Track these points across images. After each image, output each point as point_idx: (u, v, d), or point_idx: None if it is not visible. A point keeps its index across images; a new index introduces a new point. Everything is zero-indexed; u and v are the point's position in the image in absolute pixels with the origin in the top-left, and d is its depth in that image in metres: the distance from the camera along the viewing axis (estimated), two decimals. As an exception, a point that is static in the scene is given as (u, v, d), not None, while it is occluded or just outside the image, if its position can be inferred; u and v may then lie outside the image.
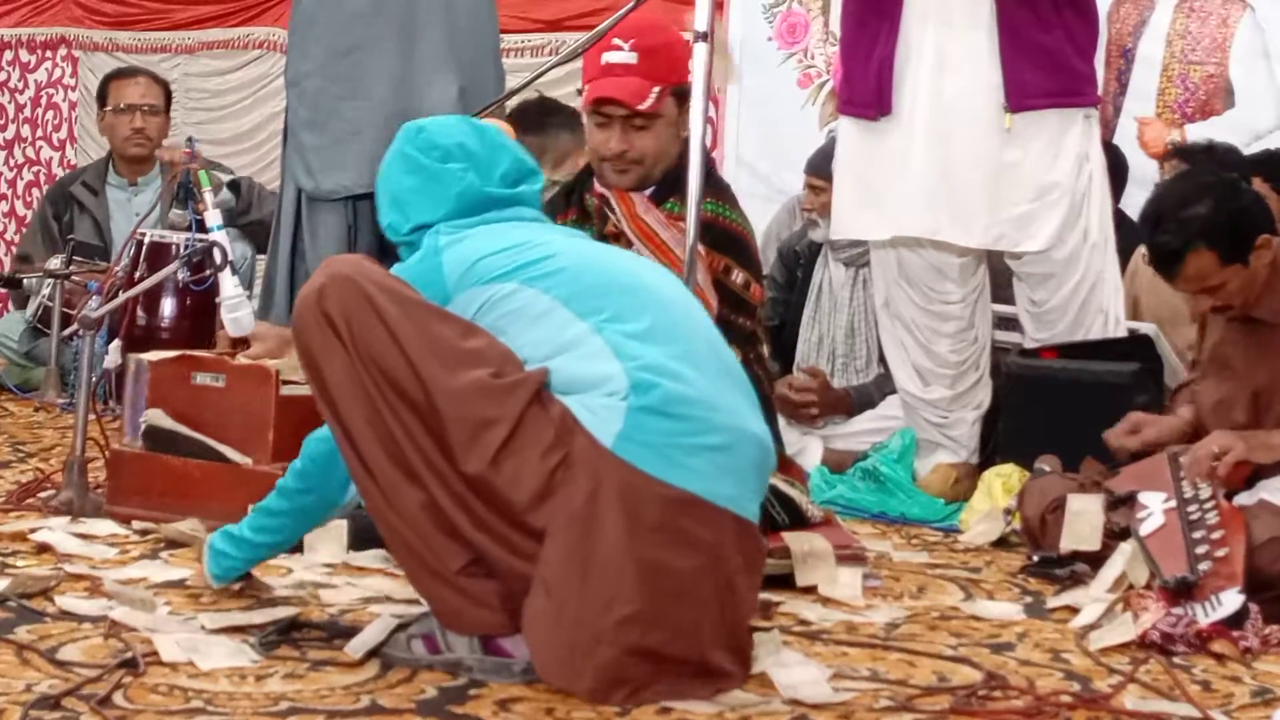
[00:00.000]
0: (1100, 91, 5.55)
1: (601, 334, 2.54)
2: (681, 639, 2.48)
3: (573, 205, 3.78)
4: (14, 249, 7.65)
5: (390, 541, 2.60)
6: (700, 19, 3.63)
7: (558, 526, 2.45)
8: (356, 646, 2.63)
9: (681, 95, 3.74)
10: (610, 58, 3.71)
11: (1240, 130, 5.57)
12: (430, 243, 2.71)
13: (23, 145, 8.60)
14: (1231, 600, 2.99)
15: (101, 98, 6.26)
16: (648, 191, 3.69)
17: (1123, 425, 3.78)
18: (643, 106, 3.64)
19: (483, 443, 2.45)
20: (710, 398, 2.53)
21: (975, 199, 4.18)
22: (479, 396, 2.47)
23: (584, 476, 2.45)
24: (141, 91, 6.11)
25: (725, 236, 3.61)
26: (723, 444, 2.51)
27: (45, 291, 5.69)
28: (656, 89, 3.70)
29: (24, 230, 7.31)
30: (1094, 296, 4.32)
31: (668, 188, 3.72)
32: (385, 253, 4.94)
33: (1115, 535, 3.45)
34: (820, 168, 5.05)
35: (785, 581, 3.25)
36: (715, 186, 3.75)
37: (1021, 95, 4.14)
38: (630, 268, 2.71)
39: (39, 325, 5.77)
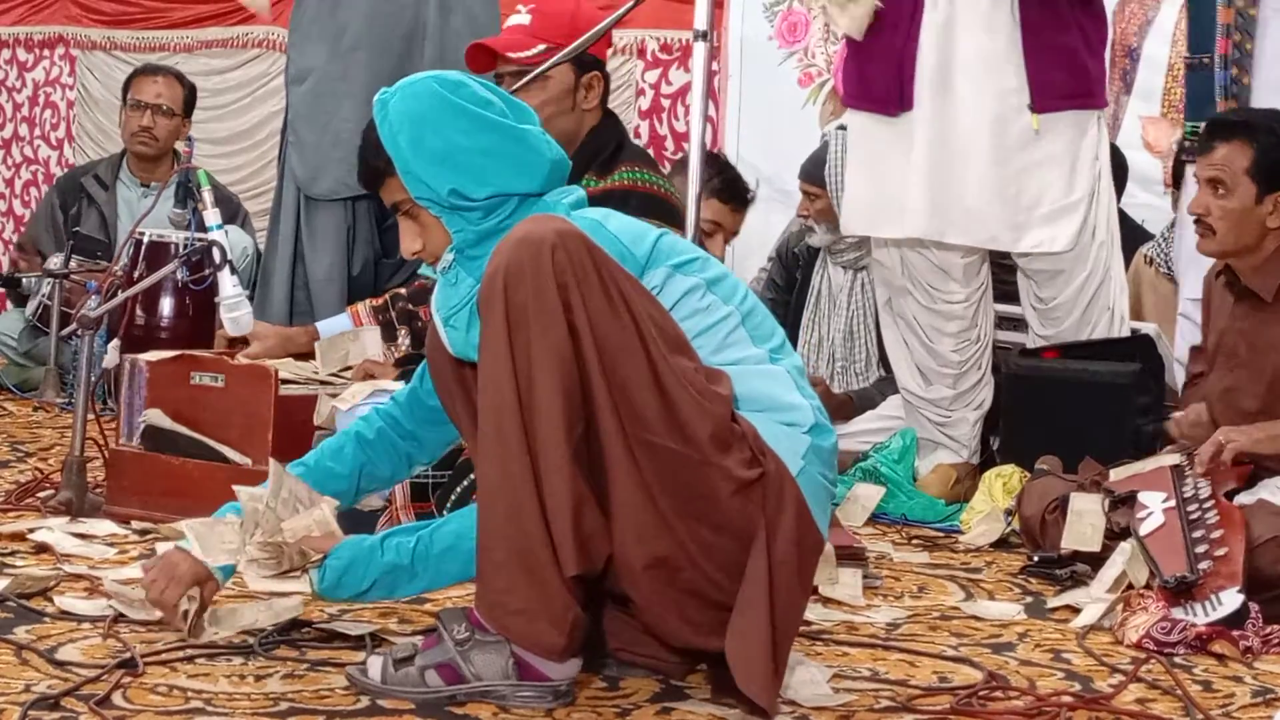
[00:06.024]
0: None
1: (779, 363, 2.46)
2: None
3: None
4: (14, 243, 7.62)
5: (492, 520, 2.32)
6: (700, 18, 3.63)
7: (748, 541, 2.35)
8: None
9: (580, 64, 3.67)
10: (509, 21, 3.70)
11: (1245, 130, 5.55)
12: (586, 216, 2.45)
13: (20, 144, 8.60)
14: (1231, 600, 2.99)
15: (125, 92, 6.21)
16: None
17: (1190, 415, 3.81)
18: (517, 55, 3.55)
19: (700, 432, 2.31)
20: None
21: (992, 201, 4.16)
22: (695, 388, 2.32)
23: (773, 499, 2.36)
24: (158, 90, 6.02)
25: (649, 200, 3.60)
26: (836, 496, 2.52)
27: (45, 290, 5.67)
28: (542, 45, 3.65)
29: (26, 223, 7.27)
30: (1101, 293, 4.32)
31: (582, 163, 3.64)
32: (385, 253, 4.95)
33: (1115, 535, 3.45)
34: (813, 175, 5.05)
35: (785, 582, 3.25)
36: (631, 154, 3.74)
37: (1046, 96, 4.13)
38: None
39: (38, 324, 5.75)
